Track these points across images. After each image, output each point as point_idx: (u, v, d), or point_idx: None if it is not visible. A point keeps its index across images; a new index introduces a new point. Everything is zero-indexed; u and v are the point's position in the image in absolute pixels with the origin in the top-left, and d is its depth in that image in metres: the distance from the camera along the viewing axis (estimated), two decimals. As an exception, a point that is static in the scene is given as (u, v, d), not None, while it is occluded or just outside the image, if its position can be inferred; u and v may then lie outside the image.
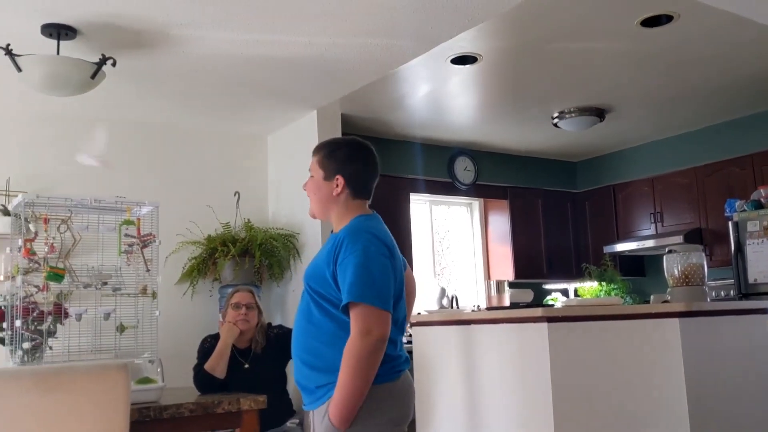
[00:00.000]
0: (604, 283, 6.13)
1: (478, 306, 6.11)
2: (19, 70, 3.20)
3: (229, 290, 4.15)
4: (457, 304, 5.90)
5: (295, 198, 5.01)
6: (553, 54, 4.13)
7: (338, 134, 4.86)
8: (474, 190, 6.30)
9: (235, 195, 5.08)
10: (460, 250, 6.52)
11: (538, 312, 3.06)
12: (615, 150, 6.61)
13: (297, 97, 4.52)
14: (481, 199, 6.53)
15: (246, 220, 4.98)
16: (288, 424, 3.56)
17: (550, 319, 2.98)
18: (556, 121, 5.44)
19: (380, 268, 2.02)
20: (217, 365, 3.42)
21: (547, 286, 6.56)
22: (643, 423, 2.96)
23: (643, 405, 2.98)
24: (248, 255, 4.74)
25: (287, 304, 4.98)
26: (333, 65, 3.92)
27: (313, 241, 4.77)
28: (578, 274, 6.38)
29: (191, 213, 4.84)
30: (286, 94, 4.44)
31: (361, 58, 3.83)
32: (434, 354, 3.58)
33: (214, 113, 4.79)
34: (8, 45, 3.18)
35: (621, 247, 6.20)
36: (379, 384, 1.99)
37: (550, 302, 6.23)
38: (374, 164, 2.27)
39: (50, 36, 3.24)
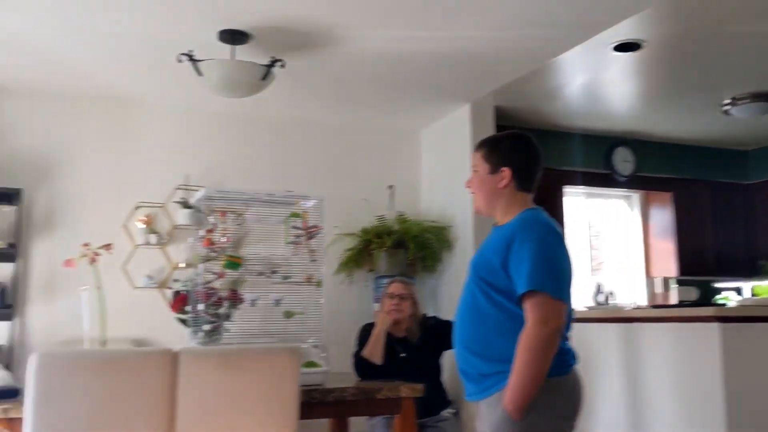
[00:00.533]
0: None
1: (638, 303, 5.85)
2: (200, 74, 3.49)
3: (384, 281, 4.28)
4: (613, 300, 5.69)
5: (447, 191, 5.06)
6: (723, 38, 3.86)
7: (491, 126, 4.84)
8: (634, 182, 6.03)
9: (389, 188, 5.21)
10: (617, 245, 6.27)
11: (709, 311, 2.90)
12: (793, 137, 6.06)
13: (451, 91, 4.55)
14: (642, 192, 6.23)
15: (400, 213, 5.10)
16: (444, 413, 3.62)
17: (723, 320, 2.82)
18: (727, 108, 5.07)
19: (558, 258, 2.02)
20: (374, 352, 3.55)
21: (718, 285, 6.14)
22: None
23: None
24: (402, 247, 4.85)
25: (440, 295, 5.04)
26: (489, 58, 3.91)
27: (466, 234, 4.79)
28: (752, 272, 5.91)
29: (348, 206, 5.02)
30: (440, 89, 4.49)
31: (517, 50, 3.79)
32: (593, 352, 3.49)
33: (371, 109, 4.94)
34: (190, 51, 3.48)
35: (801, 243, 5.68)
36: (551, 377, 1.97)
37: (722, 302, 5.83)
38: (538, 156, 2.26)
39: (226, 41, 3.50)
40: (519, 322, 2.00)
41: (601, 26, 3.47)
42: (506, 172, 2.19)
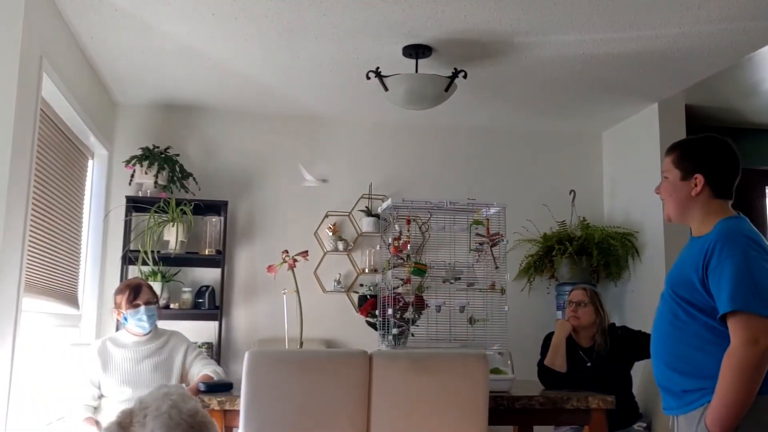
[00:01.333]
0: None
1: None
2: (386, 89, 3.65)
3: (566, 288, 4.20)
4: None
5: (632, 195, 4.86)
6: None
7: (682, 127, 4.59)
8: None
9: (570, 193, 5.10)
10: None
11: None
12: None
13: (636, 91, 4.38)
14: None
15: (581, 219, 4.98)
16: (635, 426, 3.48)
17: None
18: None
19: (762, 274, 1.89)
20: (555, 359, 3.49)
21: None
22: None
23: None
24: (584, 253, 4.73)
25: (625, 304, 4.85)
26: (680, 56, 3.72)
27: (654, 241, 4.57)
28: None
29: (528, 212, 5.00)
30: (625, 89, 4.33)
31: (712, 46, 3.57)
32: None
33: (549, 114, 4.87)
34: (377, 68, 3.65)
35: None
36: (762, 395, 1.87)
37: None
38: (735, 160, 2.13)
39: (410, 56, 3.64)
40: (723, 338, 1.90)
41: (809, 14, 3.18)
42: (699, 178, 2.08)
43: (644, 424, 3.49)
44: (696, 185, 2.09)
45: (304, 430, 2.51)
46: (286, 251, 3.40)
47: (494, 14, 3.24)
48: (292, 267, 3.38)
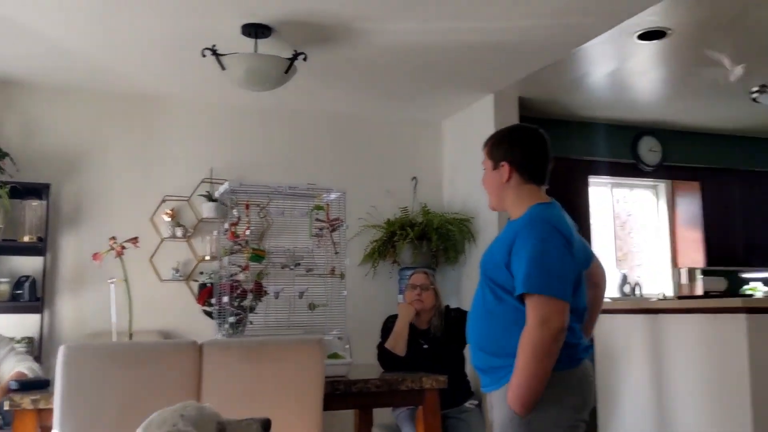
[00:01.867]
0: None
1: (664, 294, 5.79)
2: (223, 68, 3.51)
3: (408, 272, 4.28)
4: (640, 291, 5.64)
5: (470, 182, 5.05)
6: (751, 23, 3.80)
7: (515, 117, 4.81)
8: (660, 171, 5.97)
9: (412, 180, 5.21)
10: (643, 235, 6.20)
11: (736, 302, 2.86)
12: (826, 125, 5.94)
13: (473, 82, 4.53)
14: (668, 181, 6.17)
15: (423, 205, 5.10)
16: (467, 404, 3.62)
17: (750, 311, 2.78)
18: (755, 95, 4.98)
19: (557, 258, 1.99)
20: (397, 343, 3.55)
21: (745, 275, 6.05)
22: None
23: None
24: (425, 239, 4.86)
25: (462, 287, 5.04)
26: (512, 48, 3.89)
27: (488, 226, 4.78)
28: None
29: (372, 198, 5.04)
30: (462, 80, 4.47)
31: (542, 40, 3.76)
32: (618, 343, 3.47)
33: (393, 101, 4.94)
34: (213, 45, 3.50)
35: (833, 232, 5.58)
36: (558, 371, 1.98)
37: (749, 292, 5.75)
38: (542, 146, 2.23)
39: (249, 35, 3.53)
40: (524, 318, 2.00)
41: (625, 14, 3.42)
42: (506, 166, 2.18)
43: (476, 402, 3.64)
44: (504, 172, 2.18)
45: (128, 428, 2.35)
46: (114, 238, 3.19)
47: (334, -3, 3.20)
48: (120, 254, 3.17)
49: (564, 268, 2.00)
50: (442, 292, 3.84)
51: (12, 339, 3.24)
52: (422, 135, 5.43)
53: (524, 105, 5.01)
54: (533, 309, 1.97)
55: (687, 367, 3.03)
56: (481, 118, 4.91)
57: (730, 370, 2.81)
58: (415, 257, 4.84)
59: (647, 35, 3.88)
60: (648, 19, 3.63)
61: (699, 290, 5.67)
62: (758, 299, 3.17)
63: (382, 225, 5.01)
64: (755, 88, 4.92)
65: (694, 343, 3.02)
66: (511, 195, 2.19)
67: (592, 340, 3.64)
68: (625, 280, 5.74)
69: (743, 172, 6.13)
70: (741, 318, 2.79)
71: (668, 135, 5.98)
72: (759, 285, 5.90)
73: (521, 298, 2.01)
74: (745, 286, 5.89)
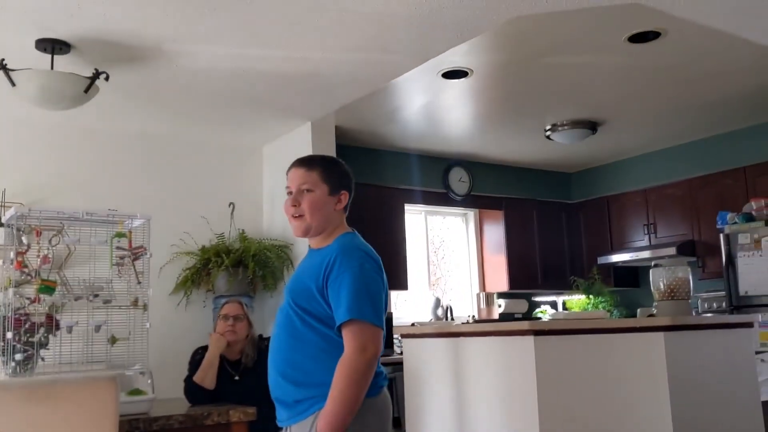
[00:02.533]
0: (591, 296, 6.17)
1: (473, 317, 6.14)
2: (13, 84, 3.25)
3: (222, 301, 4.18)
4: (451, 315, 5.93)
5: (289, 209, 5.05)
6: (543, 68, 4.18)
7: (332, 145, 4.90)
8: (469, 200, 6.35)
9: (229, 206, 5.12)
10: (455, 261, 6.55)
11: (525, 325, 3.09)
12: (609, 161, 6.65)
13: (291, 110, 4.56)
14: (476, 210, 6.57)
15: (241, 231, 5.02)
16: (278, 435, 3.58)
17: (537, 333, 3.01)
18: (549, 133, 5.48)
19: (375, 286, 2.06)
20: (206, 376, 3.44)
21: (538, 298, 6.59)
22: (622, 430, 2.99)
23: (627, 420, 3.00)
24: (242, 266, 4.78)
25: (281, 314, 5.01)
26: (326, 79, 3.96)
27: (306, 251, 4.80)
28: (569, 286, 6.42)
29: (186, 224, 4.87)
30: (280, 107, 4.49)
31: (353, 73, 3.87)
32: (424, 366, 3.61)
33: (209, 125, 4.83)
34: (2, 60, 3.23)
35: (615, 258, 6.23)
36: (368, 398, 2.02)
37: (539, 315, 6.26)
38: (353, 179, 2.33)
39: (45, 51, 3.29)
40: (335, 347, 2.03)
41: (430, 54, 3.62)
42: (345, 194, 2.22)
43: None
44: (340, 201, 2.20)
45: None
46: None
47: (136, 17, 3.08)
48: None
49: (379, 295, 2.07)
50: (259, 319, 3.79)
51: None
52: (241, 160, 5.35)
53: (341, 134, 5.13)
54: (352, 336, 1.99)
55: (483, 388, 3.21)
56: (299, 145, 4.94)
57: (520, 388, 3.02)
58: (231, 285, 4.74)
59: (451, 74, 4.13)
60: (450, 59, 3.87)
61: (496, 313, 6.07)
62: (543, 322, 3.46)
63: (196, 252, 4.85)
64: (548, 126, 5.42)
65: (489, 365, 3.21)
66: (335, 223, 2.20)
67: (400, 363, 3.75)
68: (438, 303, 6.01)
69: (540, 202, 6.69)
70: (529, 340, 3.01)
71: (476, 166, 6.39)
72: (548, 308, 6.45)
73: (338, 330, 2.03)
74: (538, 309, 6.41)
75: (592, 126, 5.35)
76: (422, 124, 5.23)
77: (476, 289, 6.46)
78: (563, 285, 6.47)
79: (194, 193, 5.07)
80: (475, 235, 6.59)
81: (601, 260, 6.28)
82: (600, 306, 6.04)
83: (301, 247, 4.87)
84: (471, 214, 6.61)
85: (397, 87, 4.32)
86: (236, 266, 4.74)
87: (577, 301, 6.32)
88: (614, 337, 3.07)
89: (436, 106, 4.85)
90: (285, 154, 5.17)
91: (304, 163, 2.25)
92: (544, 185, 6.83)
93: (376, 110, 4.84)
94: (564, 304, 6.52)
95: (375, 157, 5.77)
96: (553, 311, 6.26)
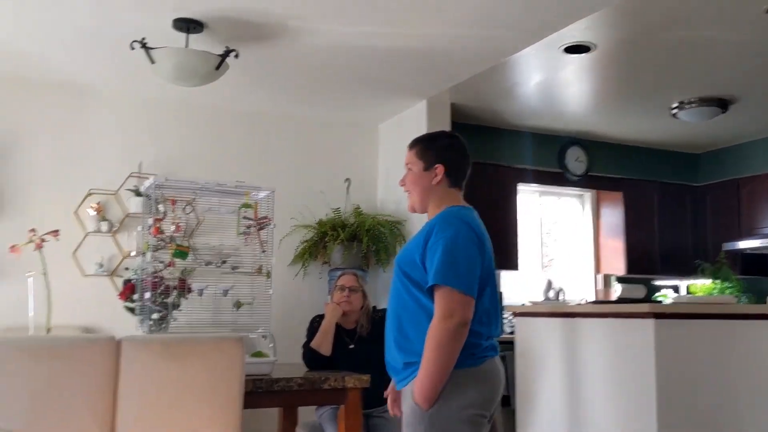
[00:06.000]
0: (718, 282, 5.84)
1: (585, 299, 5.99)
2: (152, 61, 3.47)
3: (338, 273, 4.31)
4: (563, 296, 5.81)
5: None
6: (671, 42, 3.98)
7: (448, 123, 4.90)
8: (586, 181, 6.17)
9: (345, 182, 5.24)
10: (568, 243, 6.41)
11: (644, 308, 3.00)
12: (740, 142, 6.25)
13: (407, 88, 4.60)
14: (593, 191, 6.38)
15: (355, 206, 5.14)
16: (390, 403, 3.67)
17: (658, 316, 2.92)
18: (675, 111, 5.23)
19: (467, 254, 2.07)
20: (322, 343, 3.57)
21: (658, 283, 6.33)
22: (744, 422, 2.85)
23: (752, 410, 2.86)
24: (356, 240, 4.90)
25: (393, 289, 5.09)
26: (443, 56, 3.97)
27: (419, 228, 4.84)
28: (694, 272, 6.12)
29: (304, 198, 5.05)
30: (396, 85, 4.53)
31: (471, 49, 3.85)
32: (537, 344, 3.59)
33: (328, 102, 4.96)
34: (143, 38, 3.45)
35: (743, 244, 5.88)
36: (460, 368, 2.05)
37: (659, 299, 6.01)
38: (467, 154, 2.34)
39: (180, 30, 3.49)
40: (431, 316, 2.06)
41: (551, 28, 3.55)
42: (440, 168, 2.25)
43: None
44: (437, 174, 2.25)
45: (39, 425, 2.31)
46: (33, 230, 3.11)
47: (267, -5, 3.20)
48: (39, 247, 3.10)
49: (472, 264, 2.08)
50: (372, 292, 3.88)
51: None
52: (357, 137, 5.47)
53: (456, 111, 5.11)
54: (439, 302, 2.04)
55: (598, 369, 3.16)
56: (414, 123, 4.98)
57: (638, 371, 2.94)
58: (346, 258, 4.87)
59: (573, 49, 4.02)
60: (573, 34, 3.77)
61: (614, 296, 5.89)
62: (665, 305, 3.33)
63: (313, 225, 5.02)
64: (674, 105, 5.16)
65: (606, 346, 3.15)
66: (437, 197, 2.26)
67: (511, 342, 3.75)
68: (549, 285, 5.90)
69: (663, 185, 6.39)
70: (649, 323, 2.93)
71: (594, 146, 6.19)
72: (669, 292, 6.18)
73: (431, 293, 2.07)
74: (657, 293, 6.16)
75: (722, 104, 5.05)
76: (539, 101, 5.13)
77: (590, 272, 6.30)
78: (684, 271, 6.17)
79: (312, 169, 5.24)
80: (592, 217, 6.40)
81: (728, 246, 5.94)
82: (726, 292, 5.73)
83: (414, 224, 4.92)
84: (587, 195, 6.42)
85: (515, 63, 4.25)
86: (351, 240, 4.87)
87: (701, 286, 6.02)
88: (742, 324, 2.93)
89: (555, 82, 4.73)
90: (400, 132, 5.22)
91: (411, 143, 2.37)
92: (667, 166, 6.52)
93: (492, 87, 4.79)
94: (687, 288, 6.22)
95: (489, 135, 5.71)
96: (675, 295, 6.00)
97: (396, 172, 5.19)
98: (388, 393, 2.40)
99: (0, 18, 3.49)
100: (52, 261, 3.14)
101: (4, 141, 4.39)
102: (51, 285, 3.02)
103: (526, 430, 3.59)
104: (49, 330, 3.08)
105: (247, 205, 3.34)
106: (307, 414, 3.81)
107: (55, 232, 3.14)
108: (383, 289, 5.16)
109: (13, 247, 3.07)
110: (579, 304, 4.81)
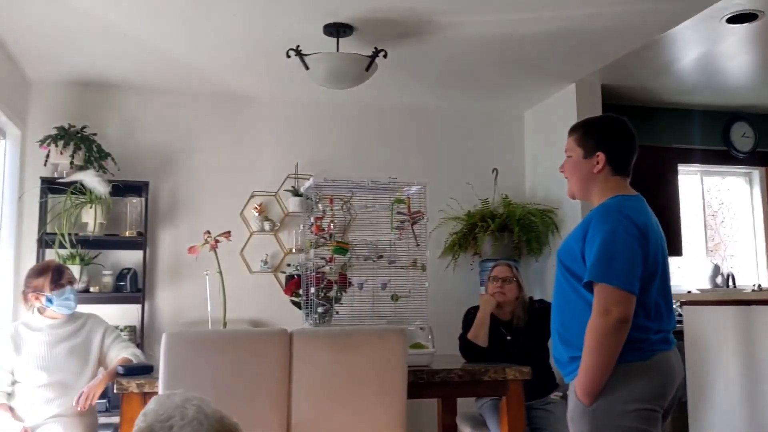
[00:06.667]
0: None
1: (759, 286, 5.55)
2: (307, 68, 3.63)
3: (489, 264, 4.30)
4: (733, 283, 5.43)
5: (552, 173, 4.99)
6: None
7: (598, 106, 4.74)
8: (754, 158, 5.70)
9: (493, 172, 5.21)
10: (737, 225, 5.96)
11: (834, 295, 2.74)
12: None
13: (555, 72, 4.49)
14: (763, 168, 5.88)
15: (504, 196, 5.09)
16: (552, 396, 3.62)
17: None
18: None
19: (626, 249, 1.99)
20: (479, 334, 3.58)
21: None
22: None
23: None
24: (507, 230, 4.85)
25: (546, 279, 5.00)
26: (593, 36, 3.83)
27: (571, 217, 4.72)
28: None
29: (452, 190, 5.08)
30: (543, 70, 4.44)
31: (624, 26, 3.69)
32: (708, 335, 3.38)
33: (473, 93, 4.95)
34: (298, 46, 3.63)
35: None
36: (625, 363, 1.99)
37: None
38: (633, 138, 2.23)
39: (331, 35, 3.63)
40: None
41: (712, -1, 3.33)
42: (601, 156, 2.17)
43: (560, 394, 3.63)
44: (598, 162, 2.17)
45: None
46: (208, 232, 3.36)
47: (412, -7, 3.25)
48: (214, 248, 3.34)
49: (632, 259, 1.99)
50: (524, 283, 3.84)
51: (117, 327, 3.47)
52: (503, 126, 5.41)
53: (607, 93, 4.91)
54: (597, 298, 1.99)
55: (781, 361, 2.93)
56: (563, 108, 4.86)
57: (828, 364, 2.70)
58: (497, 249, 4.84)
59: (737, 18, 3.73)
60: (736, 2, 3.50)
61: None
62: None
63: (462, 217, 5.03)
64: None
65: (789, 337, 2.91)
66: (600, 186, 2.19)
67: (680, 332, 3.56)
68: (717, 271, 5.54)
69: None
70: (840, 310, 2.67)
71: (762, 120, 5.71)
72: None
73: (590, 288, 2.02)
74: None
75: None
76: (699, 75, 4.80)
77: (762, 256, 5.82)
78: None
79: (459, 160, 5.26)
80: (762, 196, 5.91)
81: None
82: None
83: (567, 212, 4.80)
84: (756, 173, 5.93)
85: (672, 37, 4.01)
86: (501, 230, 4.83)
87: None
88: None
89: (717, 54, 4.41)
90: (547, 118, 5.11)
91: (571, 129, 2.31)
92: None
93: (645, 64, 4.55)
94: None
95: (645, 115, 5.43)
96: None
97: (544, 160, 5.14)
98: None
99: (167, 33, 3.79)
100: (223, 260, 3.38)
101: (176, 151, 4.79)
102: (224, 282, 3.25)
103: (699, 424, 3.40)
104: (225, 324, 3.33)
105: (399, 201, 3.41)
106: (465, 405, 3.84)
107: (227, 233, 3.37)
108: (535, 279, 5.08)
109: (191, 248, 3.33)
110: (754, 291, 4.48)
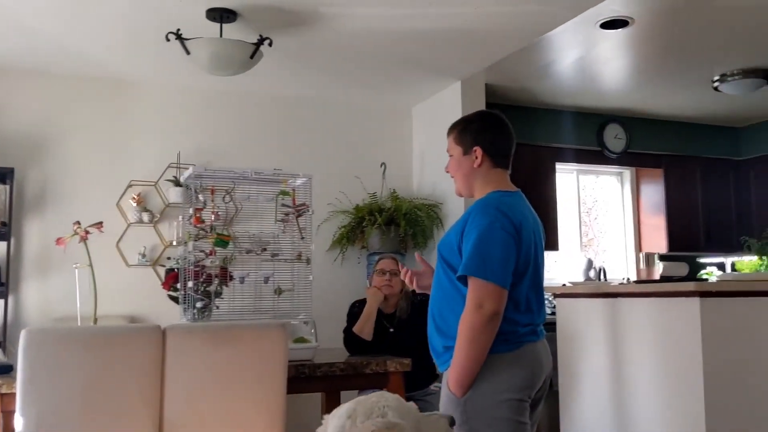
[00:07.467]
0: (765, 258, 5.70)
1: (627, 279, 5.91)
2: (188, 52, 3.50)
3: (376, 257, 4.33)
4: (604, 276, 5.75)
5: (439, 168, 5.07)
6: (713, 12, 3.87)
7: (482, 104, 4.86)
8: (625, 158, 6.06)
9: (381, 166, 5.23)
10: (609, 221, 6.32)
11: (690, 286, 2.94)
12: (786, 114, 6.07)
13: (441, 69, 4.56)
14: (633, 168, 6.27)
15: (392, 191, 5.13)
16: (432, 387, 3.68)
17: (703, 294, 2.86)
18: (716, 84, 5.09)
19: (501, 245, 2.04)
20: (364, 328, 3.59)
21: (703, 260, 6.21)
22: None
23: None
24: (394, 224, 4.90)
25: (431, 272, 5.09)
26: (478, 35, 3.92)
27: (456, 212, 4.83)
28: (739, 248, 5.98)
29: (341, 183, 5.06)
30: (430, 66, 4.50)
31: (507, 26, 3.79)
32: (579, 326, 3.55)
33: (361, 86, 4.95)
34: (178, 30, 3.48)
35: (790, 219, 5.73)
36: (495, 354, 2.04)
37: (705, 277, 5.90)
38: (508, 130, 2.29)
39: (214, 20, 3.51)
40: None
41: (586, 3, 3.47)
42: (479, 150, 2.21)
43: (440, 385, 3.69)
44: (477, 157, 2.22)
45: (92, 411, 2.37)
46: (78, 222, 3.18)
47: (299, -18, 3.20)
48: (84, 239, 3.16)
49: (506, 255, 2.04)
50: (409, 276, 3.87)
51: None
52: (392, 121, 5.45)
53: (491, 92, 5.06)
54: (470, 292, 2.03)
55: (643, 350, 3.11)
56: (449, 105, 4.95)
57: (684, 352, 2.89)
58: (384, 243, 4.88)
59: (610, 24, 3.93)
60: (610, 8, 3.68)
61: (657, 275, 5.80)
62: (711, 283, 3.25)
63: (350, 211, 5.03)
64: (716, 77, 5.03)
65: (650, 327, 3.10)
66: (480, 180, 2.23)
67: (553, 323, 3.71)
68: (590, 264, 5.84)
69: (705, 160, 6.25)
70: (695, 302, 2.87)
71: (633, 122, 6.07)
72: (714, 269, 6.05)
73: (465, 281, 2.06)
74: (702, 271, 6.04)
75: (766, 75, 4.89)
76: (576, 78, 5.04)
77: (631, 251, 6.20)
78: (729, 248, 6.04)
79: (348, 154, 5.24)
80: (632, 194, 6.30)
81: (774, 221, 5.79)
82: (775, 268, 5.58)
83: (451, 207, 4.90)
84: (627, 172, 6.31)
85: (551, 40, 4.18)
86: (388, 224, 4.87)
87: (748, 262, 5.88)
88: (793, 302, 2.85)
89: (592, 59, 4.64)
90: (434, 114, 5.19)
91: (448, 129, 2.34)
92: (709, 141, 6.36)
93: (527, 66, 4.72)
94: (733, 265, 6.09)
95: (526, 115, 5.64)
96: (720, 273, 5.87)
97: (430, 155, 5.22)
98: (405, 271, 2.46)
99: (38, 14, 3.53)
100: (97, 252, 3.21)
101: (46, 136, 4.48)
102: (96, 276, 3.08)
103: (569, 411, 3.56)
104: (95, 320, 3.16)
105: (284, 193, 3.36)
106: (349, 398, 3.83)
107: (99, 225, 3.20)
108: (421, 272, 5.15)
109: (59, 239, 3.14)
110: (621, 284, 4.75)
